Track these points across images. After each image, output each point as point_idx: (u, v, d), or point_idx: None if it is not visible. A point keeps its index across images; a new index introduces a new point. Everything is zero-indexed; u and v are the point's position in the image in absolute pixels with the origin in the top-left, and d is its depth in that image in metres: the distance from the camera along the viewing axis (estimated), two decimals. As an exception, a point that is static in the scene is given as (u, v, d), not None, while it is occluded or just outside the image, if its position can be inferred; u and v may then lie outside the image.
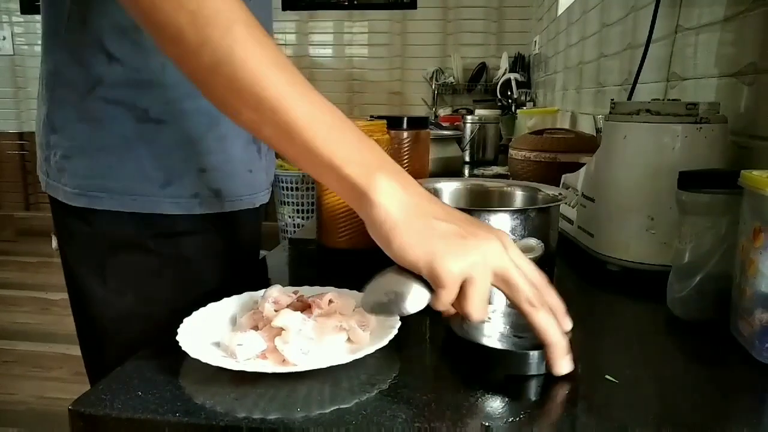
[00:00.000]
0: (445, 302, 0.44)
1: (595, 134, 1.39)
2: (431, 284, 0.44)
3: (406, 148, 1.07)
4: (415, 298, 0.44)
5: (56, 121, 0.66)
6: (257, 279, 0.75)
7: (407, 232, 0.43)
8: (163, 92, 0.64)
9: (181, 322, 0.50)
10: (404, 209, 0.44)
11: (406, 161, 1.07)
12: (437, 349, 0.56)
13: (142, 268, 0.68)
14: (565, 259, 0.79)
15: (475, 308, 0.43)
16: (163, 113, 0.65)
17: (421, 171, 1.10)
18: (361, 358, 0.46)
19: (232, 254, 0.76)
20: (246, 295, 0.57)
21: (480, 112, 2.36)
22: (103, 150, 0.64)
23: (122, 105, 0.64)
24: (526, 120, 2.19)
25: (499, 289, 0.45)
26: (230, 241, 0.75)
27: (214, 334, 0.50)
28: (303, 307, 0.52)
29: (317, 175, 0.46)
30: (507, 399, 0.43)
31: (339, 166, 0.44)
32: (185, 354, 0.46)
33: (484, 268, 0.43)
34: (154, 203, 0.66)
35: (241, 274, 0.77)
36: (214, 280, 0.71)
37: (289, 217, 3.29)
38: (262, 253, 0.86)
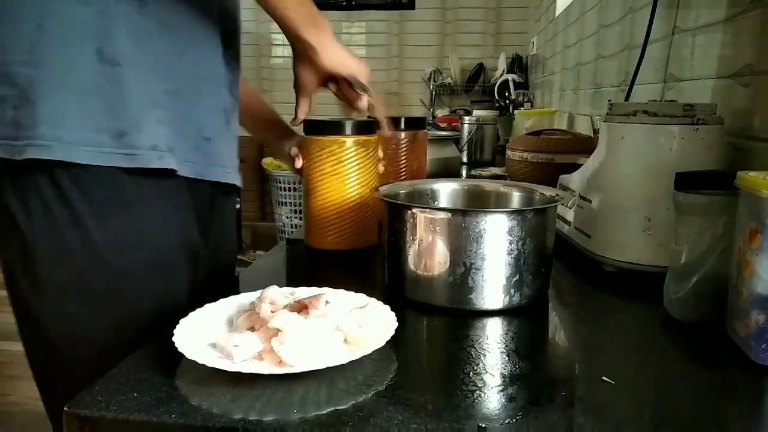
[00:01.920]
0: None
1: (592, 135, 1.39)
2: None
3: (404, 149, 1.07)
4: None
5: (3, 68, 0.58)
6: (257, 278, 0.75)
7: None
8: (119, 31, 0.60)
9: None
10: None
11: (403, 161, 1.07)
12: (434, 350, 0.56)
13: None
14: (562, 260, 0.79)
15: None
16: (117, 55, 0.59)
17: (418, 171, 1.10)
18: (357, 359, 0.46)
19: (185, 230, 0.69)
20: (243, 296, 0.57)
21: (478, 112, 2.36)
22: (56, 95, 0.58)
23: (73, 45, 0.58)
24: (524, 121, 2.19)
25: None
26: (186, 214, 0.69)
27: (211, 334, 0.50)
28: (300, 308, 0.52)
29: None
30: (504, 400, 0.43)
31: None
32: (181, 355, 0.45)
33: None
34: (109, 156, 0.60)
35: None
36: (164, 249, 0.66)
37: (287, 217, 3.29)
38: (260, 253, 0.85)
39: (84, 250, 0.61)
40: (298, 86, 0.78)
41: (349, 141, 0.80)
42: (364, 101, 0.78)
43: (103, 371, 0.54)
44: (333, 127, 0.80)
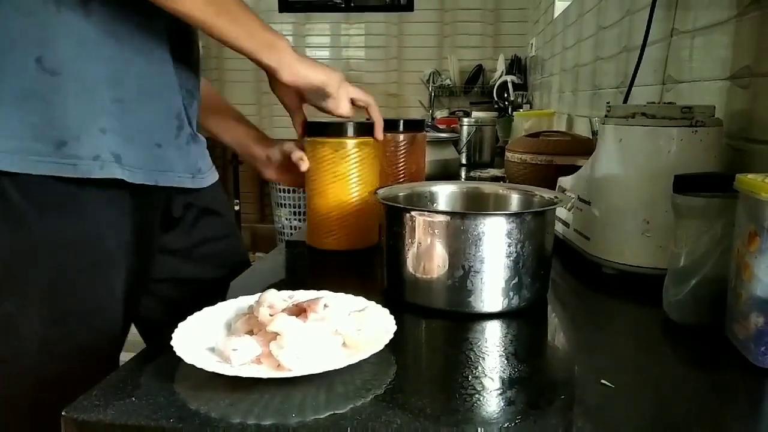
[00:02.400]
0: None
1: (591, 137, 1.39)
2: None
3: (403, 151, 1.07)
4: None
5: None
6: (256, 280, 0.75)
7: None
8: (60, 40, 0.60)
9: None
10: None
11: (402, 163, 1.07)
12: (433, 354, 0.56)
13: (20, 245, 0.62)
14: (560, 262, 0.79)
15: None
16: (58, 64, 0.60)
17: (417, 174, 1.10)
18: (356, 363, 0.46)
19: (140, 236, 0.70)
20: (241, 300, 0.57)
21: (476, 114, 2.36)
22: None
23: (12, 54, 0.59)
24: (523, 122, 2.19)
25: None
26: (138, 223, 0.69)
27: (209, 338, 0.50)
28: (298, 311, 0.52)
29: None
30: (503, 404, 0.43)
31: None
32: (179, 359, 0.45)
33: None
34: (49, 165, 0.60)
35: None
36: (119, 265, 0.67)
37: (286, 219, 3.29)
38: (259, 255, 0.85)
39: (22, 249, 0.61)
40: (284, 105, 0.82)
41: (351, 142, 0.81)
42: (341, 107, 0.79)
43: (41, 367, 0.60)
44: (334, 129, 0.81)
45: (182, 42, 0.72)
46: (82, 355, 0.65)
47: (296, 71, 0.72)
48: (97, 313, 0.66)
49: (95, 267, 0.65)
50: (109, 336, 0.68)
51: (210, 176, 0.81)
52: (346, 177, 0.81)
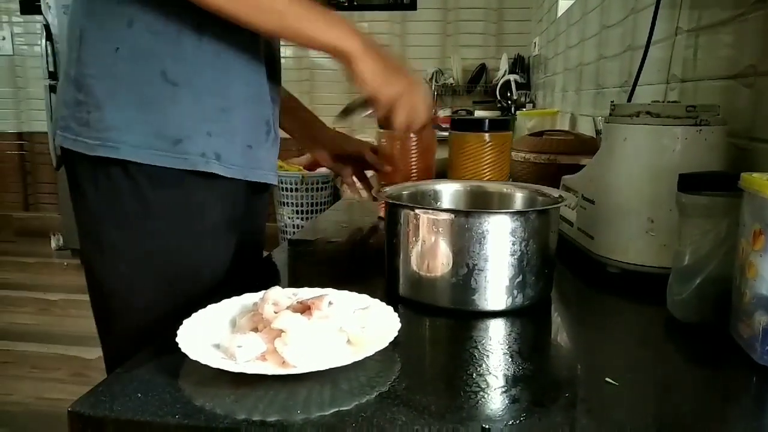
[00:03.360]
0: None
1: (594, 136, 1.39)
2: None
3: (414, 149, 1.08)
4: None
5: (82, 79, 0.72)
6: (260, 277, 0.75)
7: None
8: (180, 58, 0.72)
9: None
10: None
11: (414, 161, 1.09)
12: (437, 351, 0.56)
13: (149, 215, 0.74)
14: (564, 261, 0.79)
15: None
16: (178, 77, 0.72)
17: (428, 171, 1.11)
18: (360, 360, 0.46)
19: (229, 225, 0.81)
20: (246, 297, 0.57)
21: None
22: (125, 106, 0.71)
23: (142, 66, 0.71)
24: (526, 121, 2.19)
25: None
26: (229, 212, 0.80)
27: (214, 335, 0.50)
28: (303, 309, 0.52)
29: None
30: (507, 401, 0.43)
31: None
32: (185, 355, 0.45)
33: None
34: (167, 158, 0.72)
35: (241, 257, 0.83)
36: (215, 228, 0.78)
37: (289, 218, 3.29)
38: (264, 253, 0.86)
39: (140, 217, 0.73)
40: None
41: (487, 136, 0.95)
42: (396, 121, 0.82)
43: (148, 323, 0.72)
44: (475, 125, 0.97)
45: (271, 59, 0.82)
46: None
47: (376, 82, 0.75)
48: (202, 273, 0.77)
49: (199, 235, 0.76)
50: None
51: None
52: (485, 163, 0.96)
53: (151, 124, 0.71)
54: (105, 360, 0.80)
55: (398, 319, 0.52)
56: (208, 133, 0.74)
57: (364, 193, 1.07)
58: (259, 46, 0.78)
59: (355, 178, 1.05)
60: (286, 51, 3.80)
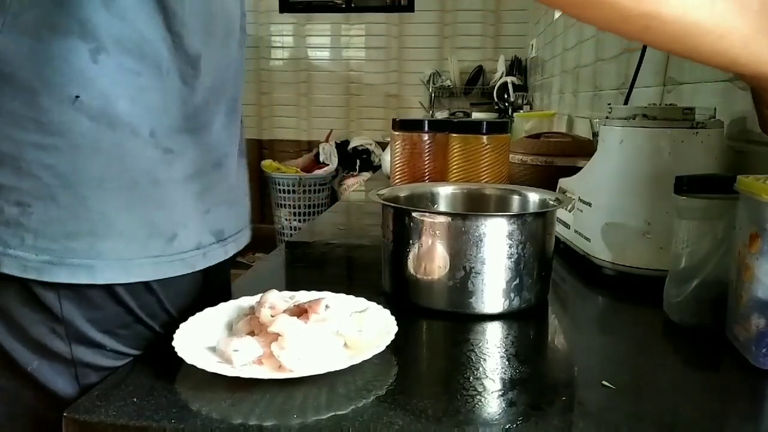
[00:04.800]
0: None
1: (591, 138, 1.39)
2: None
3: (428, 150, 1.10)
4: None
5: (5, 148, 0.43)
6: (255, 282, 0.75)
7: None
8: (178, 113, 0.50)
9: None
10: None
11: (427, 162, 1.10)
12: (434, 355, 0.56)
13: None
14: (561, 264, 0.79)
15: None
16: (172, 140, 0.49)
17: (441, 173, 1.12)
18: (357, 364, 0.46)
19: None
20: (242, 300, 0.57)
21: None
22: (90, 192, 0.44)
23: (119, 126, 0.45)
24: (523, 123, 2.19)
25: None
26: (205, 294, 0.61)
27: (210, 339, 0.50)
28: (299, 312, 0.52)
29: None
30: (504, 405, 0.43)
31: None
32: (181, 360, 0.45)
33: None
34: (160, 265, 0.50)
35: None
36: None
37: (286, 219, 3.29)
38: (259, 255, 0.86)
39: None
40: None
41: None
42: None
43: None
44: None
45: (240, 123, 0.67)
46: None
47: None
48: None
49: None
50: None
51: None
52: (483, 166, 1.00)
53: (140, 215, 0.50)
54: None
55: (395, 323, 0.52)
56: (206, 210, 0.56)
57: None
58: (238, 130, 0.64)
59: None
60: (283, 52, 3.81)
